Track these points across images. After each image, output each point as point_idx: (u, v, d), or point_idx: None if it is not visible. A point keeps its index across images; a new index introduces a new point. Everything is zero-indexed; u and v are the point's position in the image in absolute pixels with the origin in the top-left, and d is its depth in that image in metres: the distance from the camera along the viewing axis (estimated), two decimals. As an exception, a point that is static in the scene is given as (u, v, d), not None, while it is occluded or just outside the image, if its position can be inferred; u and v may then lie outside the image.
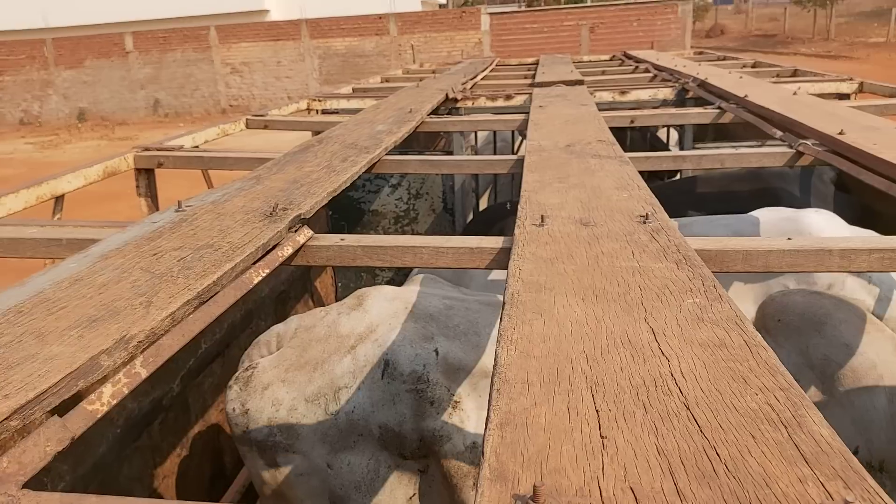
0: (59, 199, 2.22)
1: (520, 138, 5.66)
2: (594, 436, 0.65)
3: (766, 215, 2.76)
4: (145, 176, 2.61)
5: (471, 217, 4.72)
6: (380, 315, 1.89)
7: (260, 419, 1.79)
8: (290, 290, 3.45)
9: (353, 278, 4.32)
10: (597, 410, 0.69)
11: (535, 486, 0.55)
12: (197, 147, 2.86)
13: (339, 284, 4.30)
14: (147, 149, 2.61)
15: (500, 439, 0.65)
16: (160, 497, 2.36)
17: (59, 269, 1.20)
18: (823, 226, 2.55)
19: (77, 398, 0.86)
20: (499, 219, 3.92)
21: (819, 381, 1.87)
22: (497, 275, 2.52)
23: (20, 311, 1.02)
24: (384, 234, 4.49)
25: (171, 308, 1.00)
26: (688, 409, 0.69)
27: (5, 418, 0.73)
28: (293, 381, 1.81)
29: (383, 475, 1.79)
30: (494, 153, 5.54)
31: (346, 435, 1.78)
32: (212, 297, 1.09)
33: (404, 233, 4.55)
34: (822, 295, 2.06)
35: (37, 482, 1.80)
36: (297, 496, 1.84)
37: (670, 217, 1.46)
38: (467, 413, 1.77)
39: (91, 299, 1.05)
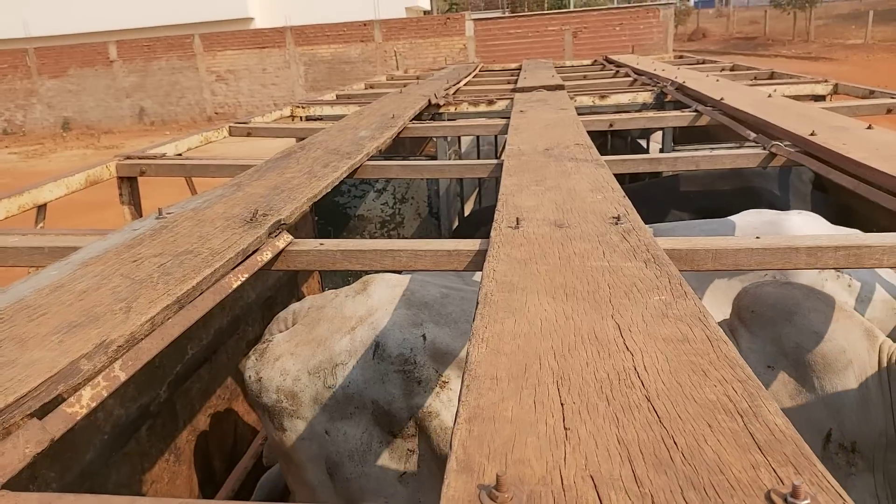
0: (41, 208, 2.22)
1: (503, 142, 5.70)
2: (558, 427, 0.67)
3: (749, 219, 2.80)
4: (128, 184, 2.62)
5: (456, 222, 4.75)
6: (380, 300, 2.04)
7: (270, 387, 1.98)
8: (277, 295, 3.46)
9: (341, 283, 4.33)
10: (562, 404, 0.72)
11: (497, 475, 0.57)
12: (180, 155, 2.86)
13: (327, 289, 4.31)
14: (129, 157, 2.62)
15: (468, 433, 0.67)
16: None
17: (39, 277, 1.21)
18: (805, 229, 2.60)
19: (58, 403, 0.87)
20: (485, 222, 3.96)
21: (793, 368, 1.93)
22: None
23: (0, 318, 1.03)
24: (370, 238, 4.50)
25: (150, 313, 1.02)
26: (649, 400, 0.72)
27: (-15, 422, 0.75)
28: (300, 354, 1.98)
29: (375, 449, 1.93)
30: (478, 157, 5.58)
31: (343, 406, 1.93)
32: (191, 301, 1.10)
33: (390, 237, 4.57)
34: (792, 285, 2.11)
35: (23, 489, 1.80)
36: (300, 459, 2.01)
37: (654, 215, 1.50)
38: (456, 392, 1.88)
39: (71, 306, 1.07)
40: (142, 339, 0.98)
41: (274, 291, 3.44)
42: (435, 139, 4.36)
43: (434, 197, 4.56)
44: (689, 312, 0.93)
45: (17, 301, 1.10)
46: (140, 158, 2.60)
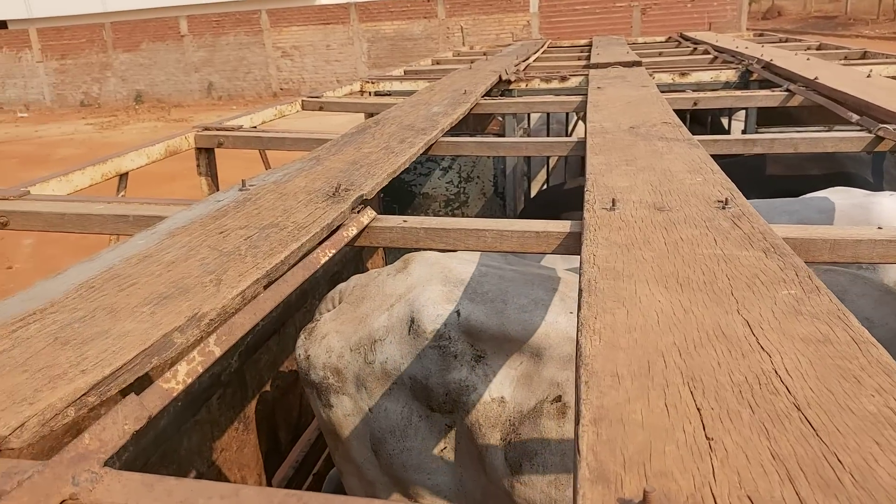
0: (122, 177, 2.25)
1: (574, 121, 5.54)
2: (699, 436, 0.60)
3: (835, 200, 2.63)
4: (205, 155, 2.63)
5: (522, 202, 4.65)
6: (419, 278, 2.05)
7: (317, 364, 2.03)
8: (344, 270, 3.46)
9: (403, 260, 4.30)
10: (698, 409, 0.64)
11: (645, 491, 0.50)
12: (255, 127, 2.87)
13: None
14: (207, 128, 2.63)
15: (596, 436, 0.60)
16: (219, 469, 2.41)
17: (127, 246, 1.20)
18: None
19: (146, 376, 0.85)
20: (554, 203, 3.84)
21: None
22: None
23: (92, 287, 1.02)
24: (434, 217, 4.45)
25: (241, 286, 0.99)
26: (799, 409, 0.64)
27: (84, 394, 0.73)
28: (343, 331, 2.03)
29: (415, 424, 1.96)
30: (548, 136, 5.44)
31: (383, 382, 1.97)
32: (280, 276, 1.07)
33: (454, 216, 4.52)
34: (837, 271, 2.03)
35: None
36: (346, 436, 2.06)
37: None
38: (493, 368, 1.90)
39: (160, 276, 1.05)
40: (233, 313, 0.95)
41: (340, 266, 3.44)
42: (502, 117, 4.26)
43: (500, 176, 4.47)
44: (825, 310, 0.84)
45: (106, 270, 1.09)
46: (217, 130, 2.61)
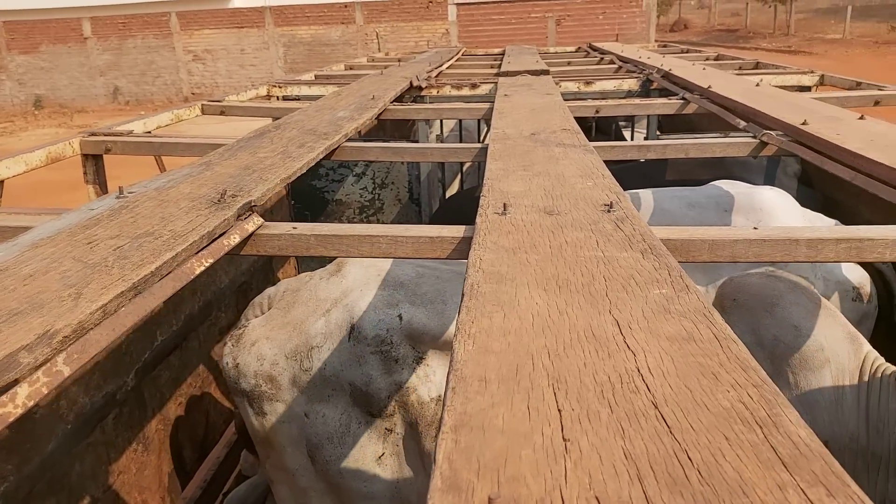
0: (-3, 186, 2.09)
1: (486, 128, 5.61)
2: (556, 439, 0.59)
3: (722, 189, 2.77)
4: (93, 162, 2.48)
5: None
6: (354, 281, 2.03)
7: (248, 372, 1.97)
8: (252, 280, 3.35)
9: (318, 268, 4.22)
10: (559, 410, 0.64)
11: (489, 497, 0.49)
12: (148, 132, 2.73)
13: (302, 276, 4.19)
14: (94, 133, 2.48)
15: (454, 444, 0.59)
16: (117, 493, 2.27)
17: (-19, 260, 1.10)
18: (777, 202, 2.60)
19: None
20: (466, 207, 3.86)
21: (768, 360, 1.91)
22: None
23: (-67, 306, 0.92)
24: (348, 224, 4.40)
25: (102, 300, 0.92)
26: (656, 407, 0.64)
27: None
28: (276, 338, 1.98)
29: (354, 430, 1.95)
30: (460, 142, 5.48)
31: (321, 388, 1.94)
32: (149, 288, 1.01)
33: (369, 223, 4.48)
34: (777, 277, 2.10)
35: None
36: (280, 442, 2.02)
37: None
38: (433, 368, 1.91)
39: (14, 291, 0.96)
40: (91, 328, 0.88)
41: (248, 276, 3.33)
42: (416, 123, 4.26)
43: (415, 182, 4.47)
44: (692, 308, 0.86)
45: (-46, 286, 1.00)
46: (106, 135, 2.47)
